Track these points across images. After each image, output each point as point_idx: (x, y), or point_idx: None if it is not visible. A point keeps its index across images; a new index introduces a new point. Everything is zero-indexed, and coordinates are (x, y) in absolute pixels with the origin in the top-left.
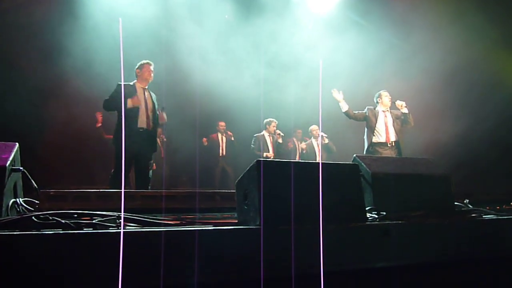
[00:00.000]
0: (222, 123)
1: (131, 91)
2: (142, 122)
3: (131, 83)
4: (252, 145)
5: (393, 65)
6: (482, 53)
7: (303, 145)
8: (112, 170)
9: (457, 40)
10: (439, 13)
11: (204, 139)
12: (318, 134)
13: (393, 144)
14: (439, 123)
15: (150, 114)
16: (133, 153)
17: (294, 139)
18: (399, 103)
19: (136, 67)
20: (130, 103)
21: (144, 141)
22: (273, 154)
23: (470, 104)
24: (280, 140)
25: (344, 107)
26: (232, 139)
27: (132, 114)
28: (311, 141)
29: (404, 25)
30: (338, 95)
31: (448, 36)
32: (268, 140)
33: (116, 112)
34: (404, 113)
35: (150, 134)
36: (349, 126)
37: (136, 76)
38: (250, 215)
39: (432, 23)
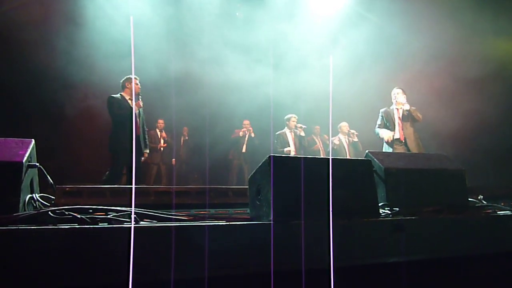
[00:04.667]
0: (246, 122)
1: (123, 103)
2: (137, 130)
3: (119, 96)
4: (275, 143)
5: (404, 60)
6: (495, 44)
7: (336, 139)
8: (107, 172)
9: (468, 32)
10: (449, 4)
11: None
12: (347, 131)
13: (404, 141)
14: (452, 116)
15: (139, 121)
16: (129, 157)
17: (313, 136)
18: (399, 100)
19: (124, 80)
20: (136, 108)
21: (138, 145)
22: (294, 149)
23: (484, 97)
24: (302, 133)
25: (388, 133)
26: (253, 135)
27: (128, 124)
28: (339, 137)
29: (414, 18)
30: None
31: (459, 28)
32: (290, 137)
33: (112, 120)
34: (407, 109)
35: (140, 140)
36: (374, 123)
37: (124, 87)
38: (263, 210)
39: (442, 15)
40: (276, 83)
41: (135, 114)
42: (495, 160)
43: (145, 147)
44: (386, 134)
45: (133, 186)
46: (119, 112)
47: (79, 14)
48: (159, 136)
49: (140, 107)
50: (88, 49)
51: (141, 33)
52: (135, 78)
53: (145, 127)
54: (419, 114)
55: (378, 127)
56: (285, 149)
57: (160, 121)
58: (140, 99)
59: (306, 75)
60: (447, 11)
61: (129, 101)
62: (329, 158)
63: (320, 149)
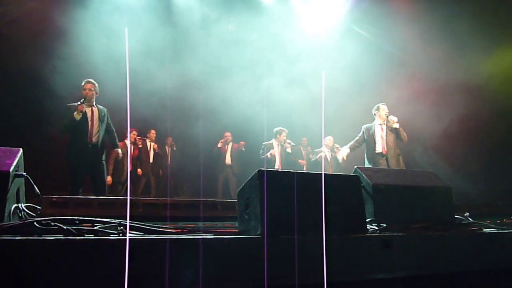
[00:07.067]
0: (227, 133)
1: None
2: (90, 137)
3: (77, 103)
4: (261, 153)
5: (393, 76)
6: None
7: (320, 152)
8: (70, 186)
9: (457, 54)
10: (441, 22)
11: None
12: (331, 144)
13: (384, 154)
14: (440, 133)
15: (95, 129)
16: (88, 166)
17: (301, 148)
18: (391, 118)
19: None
20: (76, 115)
21: (94, 153)
22: (279, 163)
23: (472, 113)
24: (289, 150)
25: (345, 151)
26: (235, 145)
27: (83, 131)
28: (323, 150)
29: (405, 36)
30: (342, 154)
31: (449, 47)
32: (277, 149)
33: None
34: (395, 128)
35: (97, 147)
36: (352, 138)
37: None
38: (251, 224)
39: (433, 34)
40: (268, 96)
41: (92, 117)
42: (482, 167)
43: (114, 148)
44: (340, 153)
45: (128, 197)
46: (62, 122)
47: (72, 26)
48: (149, 147)
49: (81, 111)
50: (79, 60)
51: (133, 46)
52: (88, 83)
53: (111, 129)
54: (405, 134)
55: (354, 142)
56: (269, 152)
57: (152, 131)
58: (84, 104)
59: (298, 89)
60: (441, 23)
61: (86, 109)
62: (320, 174)
63: (304, 161)
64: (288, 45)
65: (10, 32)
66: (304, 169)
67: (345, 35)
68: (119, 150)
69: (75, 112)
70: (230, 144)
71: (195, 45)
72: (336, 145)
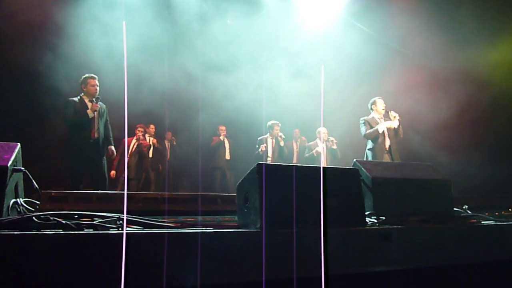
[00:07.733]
0: (222, 127)
1: (82, 106)
2: (93, 133)
3: (77, 99)
4: (256, 147)
5: (394, 67)
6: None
7: (315, 145)
8: (70, 182)
9: (456, 45)
10: (439, 18)
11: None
12: (326, 138)
13: (388, 149)
14: (440, 124)
15: (97, 125)
16: (88, 161)
17: (293, 140)
18: (392, 114)
19: (80, 81)
20: (90, 112)
21: (95, 150)
22: (271, 156)
23: (472, 104)
24: (281, 144)
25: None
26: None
27: (86, 126)
28: (317, 143)
29: (404, 31)
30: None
31: (448, 42)
32: (270, 143)
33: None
34: (396, 125)
35: (99, 143)
36: (350, 131)
37: (82, 90)
38: (251, 218)
39: (431, 28)
40: (269, 90)
41: (91, 118)
42: (482, 158)
43: (109, 144)
44: (385, 123)
45: (125, 192)
46: (72, 117)
47: (70, 21)
48: (149, 142)
49: (95, 110)
50: (78, 54)
51: (133, 41)
52: (93, 79)
53: (108, 126)
54: (401, 130)
55: (366, 132)
56: (260, 149)
57: (151, 126)
58: (97, 102)
59: (299, 82)
60: (441, 14)
61: (88, 104)
62: (319, 167)
63: (295, 153)
64: (287, 39)
65: (6, 27)
66: (294, 161)
67: (344, 28)
68: (113, 148)
69: (89, 109)
70: (227, 138)
71: (194, 39)
72: (331, 138)
